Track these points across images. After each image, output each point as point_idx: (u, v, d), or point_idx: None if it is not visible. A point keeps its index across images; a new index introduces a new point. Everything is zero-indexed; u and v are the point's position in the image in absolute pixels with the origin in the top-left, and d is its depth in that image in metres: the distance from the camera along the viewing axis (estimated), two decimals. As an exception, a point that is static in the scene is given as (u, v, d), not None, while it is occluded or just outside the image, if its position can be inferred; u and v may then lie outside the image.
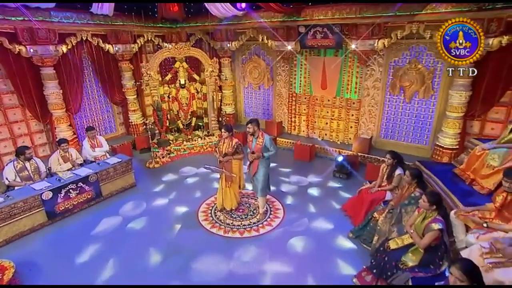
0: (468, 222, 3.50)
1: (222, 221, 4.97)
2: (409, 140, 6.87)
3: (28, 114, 6.60)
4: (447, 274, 3.08)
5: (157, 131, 7.87)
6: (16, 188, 4.95)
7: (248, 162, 4.95)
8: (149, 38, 8.20)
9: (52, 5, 6.02)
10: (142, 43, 8.07)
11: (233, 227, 4.87)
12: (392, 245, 3.53)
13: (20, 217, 4.57)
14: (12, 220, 4.49)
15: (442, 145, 6.03)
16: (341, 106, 7.57)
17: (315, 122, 8.05)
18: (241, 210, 5.31)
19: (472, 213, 3.53)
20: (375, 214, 4.29)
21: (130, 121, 8.30)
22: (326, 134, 8.03)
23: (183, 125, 8.17)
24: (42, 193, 4.73)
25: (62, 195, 4.99)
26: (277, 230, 4.82)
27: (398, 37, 6.06)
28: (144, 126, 7.96)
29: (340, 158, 6.37)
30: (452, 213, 3.63)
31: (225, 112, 8.81)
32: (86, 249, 4.38)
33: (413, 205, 3.79)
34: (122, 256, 4.23)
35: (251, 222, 4.99)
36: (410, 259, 3.29)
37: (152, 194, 5.88)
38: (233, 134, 5.04)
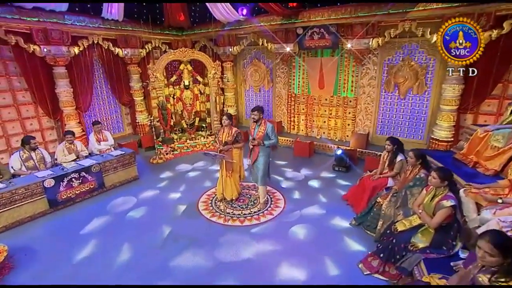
0: (479, 200, 3.02)
1: (223, 210, 4.50)
2: (405, 135, 6.42)
3: (40, 111, 6.25)
4: (461, 254, 2.60)
5: (162, 130, 7.49)
6: (21, 177, 4.52)
7: (249, 150, 4.53)
8: (157, 45, 7.96)
9: (65, 8, 5.80)
10: (150, 49, 7.82)
11: (233, 216, 4.39)
12: (400, 227, 3.05)
13: (21, 203, 4.14)
14: (13, 206, 4.06)
15: (438, 138, 5.58)
16: (338, 105, 7.18)
17: (314, 121, 7.65)
18: (241, 201, 4.84)
19: (483, 190, 3.06)
20: (379, 199, 3.82)
21: (137, 121, 7.93)
22: (324, 133, 7.61)
23: (186, 124, 7.79)
24: (44, 180, 4.31)
25: (65, 183, 4.55)
26: (278, 218, 4.34)
27: (391, 36, 5.74)
28: (149, 123, 7.59)
29: (339, 152, 5.92)
30: (461, 191, 3.16)
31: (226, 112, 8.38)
32: (85, 237, 3.92)
33: (419, 187, 3.35)
34: (120, 244, 3.76)
35: (251, 212, 4.51)
36: (420, 240, 2.81)
37: (154, 186, 5.43)
38: (233, 122, 4.64)
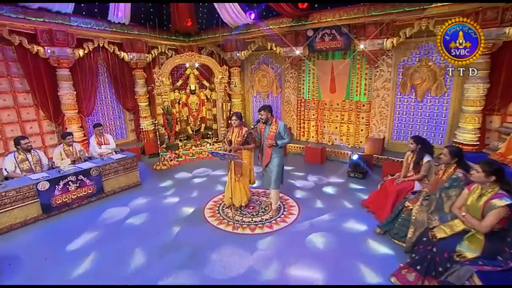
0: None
1: (231, 217, 4.08)
2: (423, 140, 6.00)
3: (41, 114, 6.01)
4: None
5: (166, 136, 7.19)
6: (14, 179, 4.18)
7: (259, 153, 4.18)
8: (163, 50, 7.82)
9: (71, 10, 5.69)
10: (156, 54, 7.66)
11: (243, 223, 3.96)
12: (439, 233, 2.61)
13: (12, 207, 3.78)
14: (2, 211, 3.70)
15: (462, 142, 5.16)
16: (351, 109, 6.85)
17: (325, 127, 7.29)
18: (251, 207, 4.42)
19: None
20: (407, 204, 3.38)
21: (140, 127, 7.66)
22: (336, 139, 7.22)
23: (192, 130, 7.49)
24: (38, 182, 3.96)
25: (60, 187, 4.20)
26: (292, 226, 3.90)
27: (407, 35, 5.49)
28: (153, 127, 7.32)
29: (355, 157, 5.51)
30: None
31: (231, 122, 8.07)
32: (78, 246, 3.51)
33: (456, 188, 2.92)
34: (118, 253, 3.34)
35: (263, 219, 4.08)
36: (468, 249, 2.37)
37: (156, 193, 5.05)
38: (243, 123, 4.31)
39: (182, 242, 3.52)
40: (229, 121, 7.77)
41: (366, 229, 3.74)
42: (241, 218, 4.10)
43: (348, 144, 7.02)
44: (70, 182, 4.30)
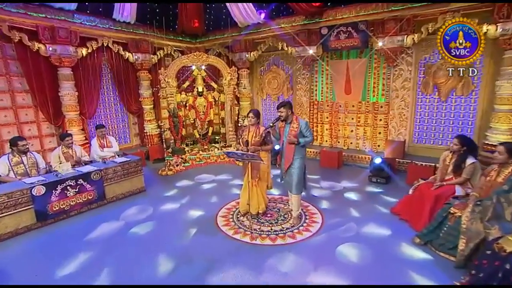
0: None
1: (248, 226, 3.63)
2: (448, 143, 5.57)
3: (40, 115, 5.65)
4: None
5: (172, 141, 6.80)
6: (7, 183, 3.77)
7: (279, 155, 3.78)
8: (169, 52, 7.53)
9: (74, 7, 5.41)
10: (162, 56, 7.38)
11: (262, 233, 3.51)
12: (508, 246, 2.16)
13: (1, 215, 3.34)
14: (-11, 219, 3.26)
15: (494, 143, 4.73)
16: (368, 111, 6.47)
17: (339, 130, 6.90)
18: (269, 215, 3.98)
19: None
20: (453, 210, 2.95)
21: (145, 131, 7.28)
22: (351, 143, 6.82)
23: (199, 134, 7.10)
24: (33, 187, 3.54)
25: (58, 192, 3.78)
26: (318, 236, 3.45)
27: (430, 31, 5.16)
28: (159, 131, 6.96)
29: (378, 160, 5.09)
30: None
31: (242, 124, 7.68)
32: (75, 257, 3.06)
33: (518, 191, 2.48)
34: (120, 265, 2.90)
35: (283, 228, 3.63)
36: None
37: (162, 199, 4.62)
38: (260, 121, 3.92)
39: (194, 255, 3.08)
40: (238, 123, 7.54)
41: (401, 239, 3.28)
42: (258, 227, 3.66)
43: (365, 148, 6.61)
44: (68, 187, 3.88)
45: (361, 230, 3.54)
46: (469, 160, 3.31)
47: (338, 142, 7.00)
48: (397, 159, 5.64)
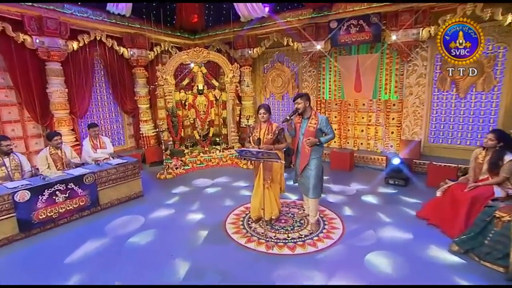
0: None
1: (263, 234, 3.31)
2: (467, 143, 5.40)
3: (25, 114, 5.25)
4: None
5: (170, 142, 6.46)
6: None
7: (293, 154, 3.50)
8: (166, 48, 7.23)
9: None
10: (159, 52, 7.07)
11: (278, 241, 3.19)
12: None
13: (-23, 225, 2.95)
14: (-37, 230, 2.87)
15: (519, 142, 4.54)
16: (379, 110, 6.24)
17: (349, 130, 6.66)
18: (283, 221, 3.67)
19: None
20: (499, 213, 2.67)
21: (140, 132, 6.92)
22: (362, 143, 6.58)
23: (199, 135, 6.77)
24: (16, 192, 3.16)
25: (45, 198, 3.40)
26: (341, 243, 3.15)
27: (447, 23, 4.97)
28: (155, 131, 6.62)
29: (396, 161, 4.84)
30: None
31: (245, 125, 7.35)
32: (65, 276, 2.68)
33: None
34: (116, 283, 2.53)
35: (301, 235, 3.32)
36: None
37: (163, 205, 4.27)
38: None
39: (205, 268, 2.74)
40: (240, 123, 7.25)
41: (435, 246, 3.01)
42: (274, 234, 3.34)
43: (377, 149, 6.37)
44: (57, 192, 3.51)
45: (387, 237, 3.25)
46: (508, 157, 3.06)
47: (348, 142, 6.75)
48: (414, 160, 5.40)
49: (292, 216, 3.83)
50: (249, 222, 3.66)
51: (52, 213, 3.48)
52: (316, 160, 3.36)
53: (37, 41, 4.94)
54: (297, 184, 3.65)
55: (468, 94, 5.26)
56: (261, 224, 3.49)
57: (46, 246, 3.19)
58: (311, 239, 3.24)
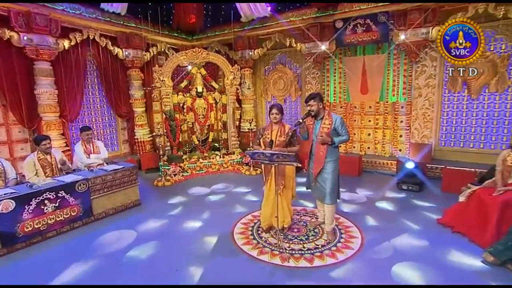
0: None
1: (276, 244, 3.08)
2: (481, 146, 5.30)
3: (10, 117, 4.97)
4: None
5: (167, 147, 6.22)
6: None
7: (306, 157, 3.31)
8: (163, 49, 7.04)
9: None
10: (155, 53, 6.88)
11: (293, 252, 2.97)
12: None
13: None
14: None
15: (536, 144, 4.45)
16: (387, 112, 6.13)
17: (355, 134, 6.52)
18: (296, 230, 3.44)
19: None
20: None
21: (135, 137, 6.65)
22: (369, 148, 6.44)
23: (198, 140, 6.54)
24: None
25: (32, 207, 3.11)
26: (363, 254, 2.94)
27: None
28: (152, 135, 6.37)
29: (410, 165, 4.69)
30: None
31: (248, 129, 7.11)
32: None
33: None
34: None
35: (317, 245, 3.11)
36: None
37: (163, 214, 4.01)
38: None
39: (216, 283, 2.48)
40: (240, 128, 7.04)
41: (465, 256, 2.83)
42: (288, 244, 3.11)
43: (384, 153, 6.23)
44: (46, 201, 3.22)
45: (411, 246, 3.06)
46: (539, 158, 2.93)
47: (354, 147, 6.61)
48: (427, 164, 5.27)
49: (304, 224, 3.61)
50: (259, 232, 3.42)
51: (39, 225, 3.18)
52: (332, 163, 3.18)
53: (25, 38, 4.71)
54: (309, 190, 3.47)
55: (481, 95, 5.20)
56: (274, 233, 3.26)
57: (31, 263, 2.88)
58: (329, 250, 3.02)
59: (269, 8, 6.22)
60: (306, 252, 2.98)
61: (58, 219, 3.33)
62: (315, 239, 3.25)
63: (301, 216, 3.84)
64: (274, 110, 3.29)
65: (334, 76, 6.57)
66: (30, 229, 3.12)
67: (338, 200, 3.34)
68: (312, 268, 2.72)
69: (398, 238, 3.23)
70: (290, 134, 3.25)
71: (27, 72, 4.95)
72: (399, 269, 2.66)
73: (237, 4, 6.10)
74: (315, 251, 3.00)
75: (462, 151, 5.44)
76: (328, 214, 3.27)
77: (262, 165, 3.36)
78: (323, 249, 3.04)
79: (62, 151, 4.78)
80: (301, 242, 3.17)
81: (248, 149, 5.70)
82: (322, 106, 3.24)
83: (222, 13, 7.01)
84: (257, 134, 3.49)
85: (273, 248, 3.04)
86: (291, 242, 3.17)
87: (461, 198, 3.47)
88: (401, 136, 6.06)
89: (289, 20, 6.21)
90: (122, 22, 6.02)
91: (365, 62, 6.12)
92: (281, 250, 2.97)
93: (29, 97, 4.98)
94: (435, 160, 5.57)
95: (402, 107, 5.94)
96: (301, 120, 3.14)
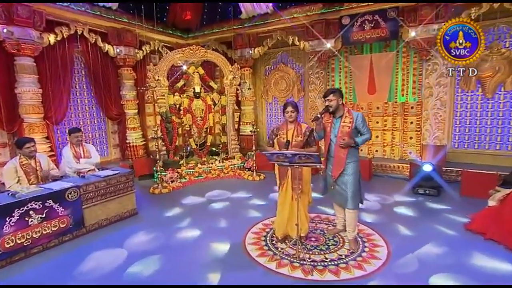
0: None
1: (294, 255, 2.86)
2: (497, 147, 5.25)
3: (-13, 119, 4.62)
4: None
5: (163, 152, 5.94)
6: None
7: (324, 159, 3.14)
8: (156, 48, 6.81)
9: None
10: (148, 51, 6.64)
11: (316, 264, 2.75)
12: None
13: None
14: None
15: (555, 144, 4.43)
16: (396, 113, 6.05)
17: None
18: (313, 239, 3.23)
19: None
20: None
21: (127, 141, 6.35)
22: (377, 151, 6.33)
23: (196, 144, 6.29)
24: (-24, 213, 2.56)
25: (14, 220, 2.80)
26: (393, 265, 2.74)
27: (472, 18, 4.90)
28: (145, 139, 6.09)
29: (427, 168, 4.57)
30: None
31: (251, 131, 6.81)
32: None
33: None
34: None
35: (340, 256, 2.90)
36: None
37: (164, 224, 3.73)
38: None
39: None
40: (239, 131, 6.80)
41: (505, 264, 2.67)
42: (308, 255, 2.89)
43: (394, 156, 6.13)
44: (31, 212, 2.91)
45: (443, 254, 2.90)
46: None
47: (361, 150, 6.40)
48: (443, 167, 5.16)
49: (321, 232, 3.40)
50: (273, 242, 3.19)
51: (23, 240, 2.86)
52: (354, 164, 3.01)
53: (5, 31, 4.43)
54: (325, 195, 3.30)
55: (496, 94, 5.17)
56: (289, 243, 3.04)
57: (12, 284, 2.56)
58: (354, 260, 2.82)
59: (271, 4, 6.12)
60: (329, 263, 2.77)
61: (44, 232, 3.02)
62: (336, 248, 3.04)
63: (316, 224, 3.64)
64: (289, 108, 3.11)
65: (340, 75, 6.48)
66: (11, 244, 2.79)
67: (361, 205, 3.15)
68: (339, 281, 2.51)
69: (427, 246, 3.05)
70: (307, 133, 3.07)
71: (6, 69, 4.66)
72: (438, 280, 2.48)
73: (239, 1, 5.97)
74: (339, 262, 2.79)
75: (477, 153, 5.38)
76: (350, 220, 3.07)
77: (276, 168, 3.17)
78: (347, 259, 2.83)
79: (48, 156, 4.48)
80: (322, 252, 2.96)
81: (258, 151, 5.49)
82: (342, 103, 3.07)
83: (219, 10, 6.88)
84: (270, 135, 3.29)
85: (292, 259, 2.81)
86: (310, 252, 2.96)
87: (491, 203, 3.35)
88: (411, 138, 5.97)
89: (292, 16, 6.11)
90: (113, 17, 5.79)
91: (372, 61, 6.04)
92: (302, 262, 2.75)
93: (8, 97, 4.67)
94: (449, 162, 5.48)
95: (412, 107, 5.87)
96: (319, 115, 2.96)
